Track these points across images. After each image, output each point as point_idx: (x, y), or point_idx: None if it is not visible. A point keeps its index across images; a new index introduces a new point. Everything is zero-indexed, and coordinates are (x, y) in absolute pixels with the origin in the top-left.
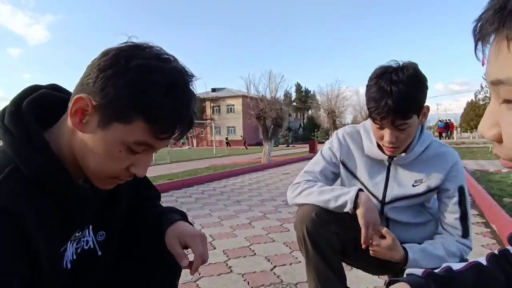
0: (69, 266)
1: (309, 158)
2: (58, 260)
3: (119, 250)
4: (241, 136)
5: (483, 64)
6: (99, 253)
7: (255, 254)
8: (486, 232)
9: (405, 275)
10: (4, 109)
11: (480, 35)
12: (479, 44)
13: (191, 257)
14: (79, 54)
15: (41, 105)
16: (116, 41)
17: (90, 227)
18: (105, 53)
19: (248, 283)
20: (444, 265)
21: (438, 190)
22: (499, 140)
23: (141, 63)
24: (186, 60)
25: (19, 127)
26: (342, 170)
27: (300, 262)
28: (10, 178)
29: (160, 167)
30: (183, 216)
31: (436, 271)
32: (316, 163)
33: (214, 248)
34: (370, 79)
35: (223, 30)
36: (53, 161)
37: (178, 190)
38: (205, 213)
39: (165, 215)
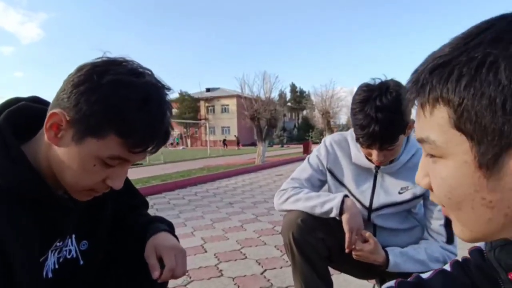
0: (50, 275)
1: (303, 159)
2: (38, 269)
3: (104, 259)
4: (235, 136)
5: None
6: (81, 262)
7: (246, 257)
8: None
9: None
10: None
11: (408, 100)
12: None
13: None
14: (72, 53)
15: (20, 117)
16: (92, 56)
17: (73, 236)
18: (80, 69)
19: (239, 286)
20: (414, 274)
21: (424, 196)
22: (431, 188)
23: (114, 79)
24: (180, 61)
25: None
26: (329, 177)
27: (290, 265)
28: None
29: (153, 168)
30: (170, 227)
31: (408, 279)
32: (303, 170)
33: (206, 252)
34: (355, 102)
35: (218, 30)
36: (31, 172)
37: (171, 192)
38: (198, 215)
39: (150, 224)
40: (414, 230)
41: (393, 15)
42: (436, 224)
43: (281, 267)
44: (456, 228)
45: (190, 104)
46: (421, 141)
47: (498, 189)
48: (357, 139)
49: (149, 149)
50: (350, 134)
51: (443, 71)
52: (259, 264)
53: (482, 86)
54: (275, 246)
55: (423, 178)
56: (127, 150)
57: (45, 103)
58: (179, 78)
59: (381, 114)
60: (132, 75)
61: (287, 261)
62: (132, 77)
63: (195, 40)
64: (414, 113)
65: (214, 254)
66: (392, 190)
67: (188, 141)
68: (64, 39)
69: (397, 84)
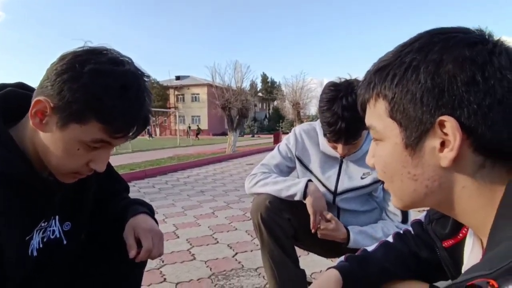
0: (35, 253)
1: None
2: (24, 247)
3: (87, 241)
4: (198, 126)
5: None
6: (65, 241)
7: (218, 242)
8: None
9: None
10: None
11: (359, 95)
12: (361, 104)
13: None
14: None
15: (7, 102)
16: (73, 45)
17: (57, 217)
18: (62, 58)
19: (211, 269)
20: (361, 248)
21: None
22: (375, 167)
23: (94, 68)
24: (148, 47)
25: None
26: (297, 164)
27: (259, 248)
28: None
29: (121, 157)
30: (150, 210)
31: (356, 254)
32: (273, 157)
33: (178, 237)
34: (323, 101)
35: (188, 17)
36: (18, 154)
37: (140, 180)
38: (169, 203)
39: (130, 206)
40: (374, 212)
41: (362, 12)
42: (393, 206)
43: (251, 250)
44: (392, 198)
45: (159, 92)
46: (369, 127)
47: (420, 165)
48: (325, 135)
49: (129, 134)
50: (318, 124)
51: (383, 72)
52: (231, 248)
53: (408, 84)
54: (246, 231)
55: (370, 159)
56: (108, 134)
57: (30, 89)
58: (147, 65)
59: (347, 113)
60: (112, 63)
61: (257, 245)
62: (112, 66)
63: (165, 26)
64: None
65: (186, 240)
66: (355, 175)
67: (157, 130)
68: (27, 21)
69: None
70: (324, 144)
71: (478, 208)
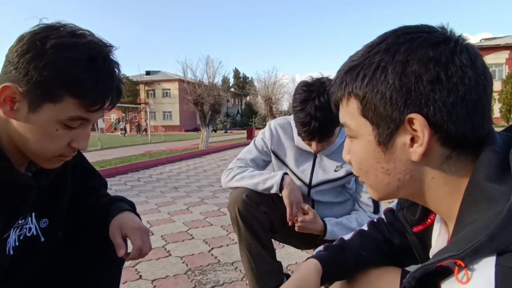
0: (11, 252)
1: (247, 144)
2: (1, 246)
3: (65, 238)
4: (138, 122)
5: None
6: (42, 239)
7: (193, 237)
8: None
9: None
10: None
11: (332, 93)
12: (333, 103)
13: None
14: None
15: None
16: (27, 25)
17: (33, 214)
18: (20, 39)
19: (187, 265)
20: (339, 237)
21: None
22: (351, 162)
23: (57, 42)
24: (116, 41)
25: None
26: (273, 158)
27: (236, 243)
28: None
29: (90, 154)
30: (132, 207)
31: (334, 243)
32: (249, 152)
33: (152, 234)
34: (296, 101)
35: (158, 11)
36: None
37: (112, 178)
38: (142, 200)
39: (112, 204)
40: (347, 203)
41: (332, 11)
42: (365, 197)
43: (227, 245)
44: (369, 191)
45: (129, 87)
46: (343, 125)
47: (392, 160)
48: (299, 134)
49: (105, 106)
50: (293, 119)
51: (353, 72)
52: (206, 243)
53: (377, 84)
54: (221, 226)
55: (346, 154)
56: (85, 109)
57: None
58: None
59: (320, 113)
60: (74, 36)
61: (233, 239)
62: (74, 39)
63: (133, 19)
64: None
65: (161, 236)
66: (329, 168)
67: (127, 126)
68: None
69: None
70: (299, 139)
71: (445, 195)
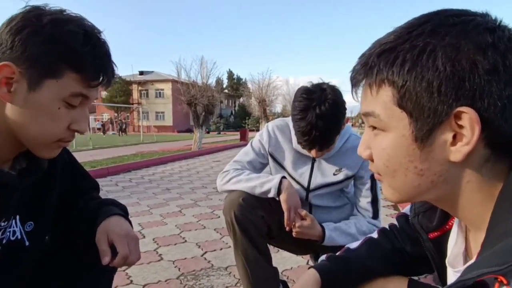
0: None
1: (240, 146)
2: None
3: (53, 243)
4: (121, 120)
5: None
6: (27, 243)
7: (186, 241)
8: (394, 214)
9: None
10: None
11: (354, 82)
12: (354, 89)
13: None
14: None
15: None
16: (14, 7)
17: (18, 217)
18: (12, 19)
19: (179, 269)
20: (345, 247)
21: (354, 177)
22: (372, 159)
23: (53, 18)
24: (109, 40)
25: None
26: (270, 161)
27: (230, 247)
28: None
29: (81, 154)
30: (123, 211)
31: (337, 253)
32: (246, 154)
33: (144, 237)
34: (296, 109)
35: (151, 10)
36: None
37: (103, 178)
38: (133, 202)
39: (102, 207)
40: (345, 207)
41: (327, 14)
42: (364, 201)
43: (221, 249)
44: (386, 191)
45: (122, 87)
46: (366, 115)
47: (428, 159)
48: (299, 143)
49: (104, 81)
50: (293, 127)
51: (389, 56)
52: (199, 247)
53: (423, 71)
54: (214, 229)
55: (364, 150)
56: (86, 84)
57: None
58: None
59: (321, 122)
60: (66, 14)
61: (227, 243)
62: (68, 15)
63: (127, 18)
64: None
65: (153, 239)
66: (327, 172)
67: (111, 126)
68: None
69: (334, 90)
70: (296, 139)
71: (478, 202)
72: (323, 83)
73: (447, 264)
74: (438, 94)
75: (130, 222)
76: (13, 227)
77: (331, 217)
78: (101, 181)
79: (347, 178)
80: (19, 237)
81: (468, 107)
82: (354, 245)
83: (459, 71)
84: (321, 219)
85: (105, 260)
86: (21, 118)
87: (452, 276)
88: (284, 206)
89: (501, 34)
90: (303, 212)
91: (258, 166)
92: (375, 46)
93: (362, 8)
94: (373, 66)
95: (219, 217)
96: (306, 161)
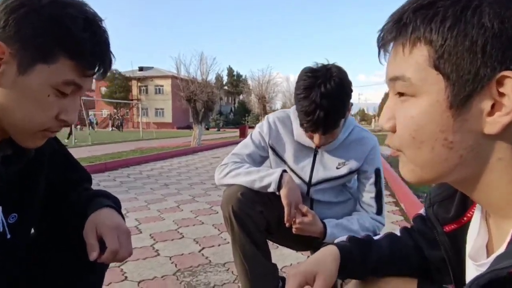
0: None
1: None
2: None
3: (40, 238)
4: (117, 115)
5: (381, 62)
6: (8, 236)
7: (183, 236)
8: (396, 210)
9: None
10: None
11: (382, 42)
12: (381, 50)
13: None
14: None
15: None
16: None
17: (0, 208)
18: None
19: (176, 265)
20: (365, 234)
21: (358, 171)
22: (394, 130)
23: (53, 0)
24: (110, 34)
25: None
26: (270, 153)
27: (228, 243)
28: None
29: (80, 150)
30: (115, 203)
31: (359, 237)
32: (245, 146)
33: (140, 232)
34: (300, 88)
35: (151, 6)
36: None
37: (101, 174)
38: (131, 197)
39: (93, 199)
40: (348, 203)
41: (327, 12)
42: (368, 196)
43: (219, 245)
44: (405, 168)
45: (121, 83)
46: (393, 79)
47: (461, 130)
48: (301, 125)
49: (100, 71)
50: (293, 112)
51: (428, 11)
52: (197, 242)
53: (466, 28)
54: (213, 225)
55: (387, 121)
56: (80, 73)
57: None
58: None
59: (326, 101)
60: None
61: (225, 239)
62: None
63: (126, 14)
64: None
65: (150, 235)
66: (330, 165)
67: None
68: None
69: (339, 69)
70: (299, 134)
71: (507, 182)
72: (328, 63)
73: (467, 258)
74: (482, 55)
75: (122, 215)
76: None
77: (333, 213)
78: (98, 176)
79: (351, 172)
80: (1, 229)
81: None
82: (376, 236)
83: (508, 29)
84: (322, 214)
85: (93, 255)
86: (6, 101)
87: (473, 271)
88: (284, 202)
89: None
90: (304, 208)
91: (258, 159)
92: (410, 2)
93: (365, 4)
94: (407, 23)
95: (217, 212)
96: (308, 153)
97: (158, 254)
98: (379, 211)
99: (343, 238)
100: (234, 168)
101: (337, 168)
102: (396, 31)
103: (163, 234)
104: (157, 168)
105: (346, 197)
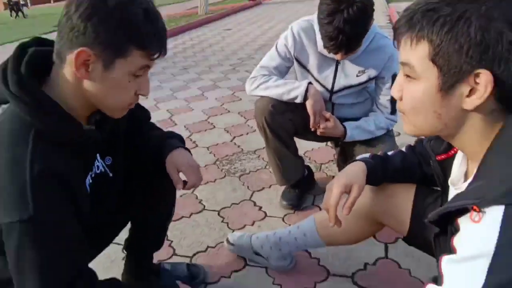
0: (88, 190)
1: (249, 8)
2: (86, 192)
3: (128, 172)
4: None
5: (398, 49)
6: (110, 174)
7: (214, 127)
8: None
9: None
10: (5, 76)
11: (397, 33)
12: (395, 40)
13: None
14: None
15: (36, 65)
16: None
17: (98, 154)
18: (79, 4)
19: (214, 155)
20: (384, 152)
21: (376, 77)
22: (401, 99)
23: (118, 1)
24: None
25: (28, 95)
26: (296, 64)
27: (254, 131)
28: (38, 142)
29: None
30: (181, 141)
31: (379, 154)
32: (272, 59)
33: (175, 124)
34: (323, 12)
35: None
36: (65, 117)
37: None
38: (155, 85)
39: (165, 140)
40: (365, 102)
41: None
42: (384, 99)
43: (247, 133)
44: (406, 126)
45: None
46: (404, 64)
47: (447, 106)
48: (325, 47)
49: (162, 52)
50: (316, 22)
51: (433, 16)
52: (228, 132)
53: (457, 35)
54: (238, 113)
55: (397, 92)
56: (148, 58)
57: (49, 43)
58: None
59: (349, 26)
60: None
61: (251, 127)
62: None
63: None
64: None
65: (184, 126)
66: (351, 74)
67: None
68: None
69: None
70: (322, 45)
71: (476, 141)
72: None
73: (449, 184)
74: (466, 56)
75: (189, 150)
76: (97, 163)
77: (354, 111)
78: None
79: (370, 79)
80: (103, 170)
81: (486, 70)
82: (390, 152)
83: (487, 39)
84: (343, 114)
85: (179, 186)
86: (99, 92)
87: (453, 192)
88: (310, 112)
89: None
90: (327, 114)
91: (284, 71)
92: (419, 4)
93: None
94: (416, 22)
95: (240, 99)
96: (330, 63)
97: (197, 145)
98: (393, 111)
99: (366, 155)
100: (263, 81)
101: (357, 76)
102: (408, 27)
103: (195, 125)
104: (171, 48)
105: (364, 97)
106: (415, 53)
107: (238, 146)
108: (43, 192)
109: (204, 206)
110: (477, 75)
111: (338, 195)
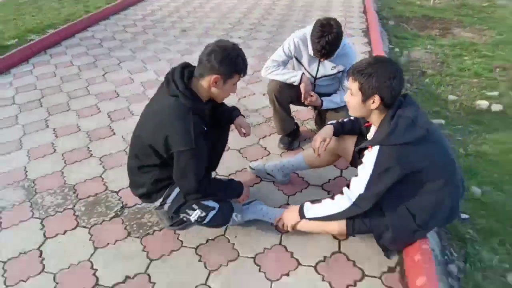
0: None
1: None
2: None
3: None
4: None
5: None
6: (205, 129)
7: None
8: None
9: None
10: (175, 82)
11: (348, 73)
12: (347, 75)
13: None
14: None
15: (187, 77)
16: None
17: (204, 123)
18: (212, 52)
19: None
20: (340, 120)
21: (343, 71)
22: (348, 103)
23: (231, 55)
24: None
25: (188, 92)
26: (294, 60)
27: (254, 94)
28: (192, 115)
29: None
30: (239, 111)
31: (339, 121)
32: (279, 56)
33: None
34: (314, 35)
35: None
36: (202, 103)
37: (107, 22)
38: (161, 48)
39: (232, 111)
40: (335, 84)
41: None
42: (345, 82)
43: (250, 95)
44: (350, 111)
45: None
46: (349, 88)
47: (364, 107)
48: (314, 54)
49: (245, 74)
50: (308, 34)
51: (361, 72)
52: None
53: (368, 82)
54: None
55: (346, 100)
56: (240, 76)
57: (191, 66)
58: None
59: (328, 46)
60: (231, 45)
61: (252, 90)
62: (230, 45)
63: None
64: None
65: None
66: (328, 67)
67: None
68: None
69: (337, 24)
70: (311, 50)
71: (376, 120)
72: (330, 19)
73: (367, 136)
74: (369, 89)
75: (244, 116)
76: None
77: (328, 90)
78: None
79: (339, 72)
80: (206, 130)
81: (377, 95)
82: (345, 119)
83: (378, 85)
84: (321, 91)
85: (241, 134)
86: (218, 93)
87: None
88: (302, 90)
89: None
90: (312, 93)
91: (286, 63)
92: (361, 65)
93: None
94: (355, 73)
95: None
96: (315, 61)
97: None
98: None
99: (333, 121)
100: (274, 70)
101: (331, 69)
102: (352, 75)
103: None
104: (156, 10)
105: (335, 82)
106: (354, 85)
107: (244, 105)
108: (196, 134)
109: (229, 147)
110: (374, 96)
111: (319, 141)
